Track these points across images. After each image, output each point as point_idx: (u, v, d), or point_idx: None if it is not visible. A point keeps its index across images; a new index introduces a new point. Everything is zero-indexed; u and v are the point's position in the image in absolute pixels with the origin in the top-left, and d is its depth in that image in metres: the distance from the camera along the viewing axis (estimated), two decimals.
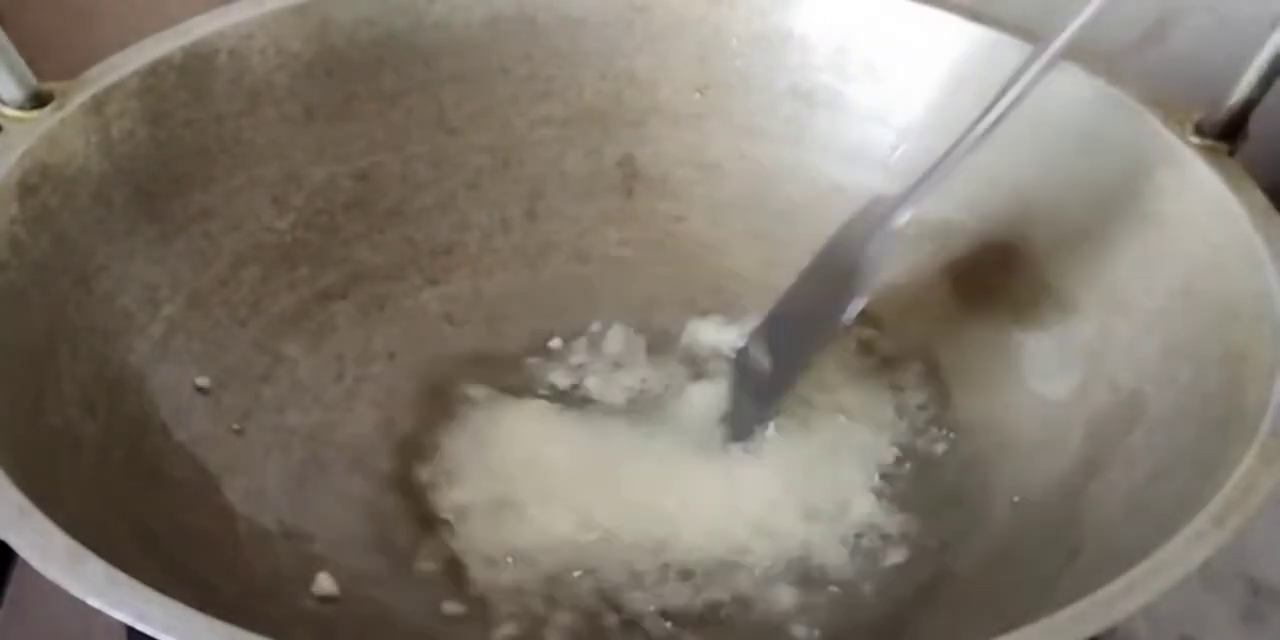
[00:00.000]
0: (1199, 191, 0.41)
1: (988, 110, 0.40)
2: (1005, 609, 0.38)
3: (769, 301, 0.47)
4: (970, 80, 0.47)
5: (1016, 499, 0.43)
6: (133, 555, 0.33)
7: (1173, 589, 0.31)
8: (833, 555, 0.44)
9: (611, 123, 0.51)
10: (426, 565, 0.43)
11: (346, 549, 0.43)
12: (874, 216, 0.43)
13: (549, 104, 0.50)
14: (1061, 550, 0.38)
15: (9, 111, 0.40)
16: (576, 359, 0.50)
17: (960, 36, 0.47)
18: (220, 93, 0.44)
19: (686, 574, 0.43)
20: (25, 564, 0.30)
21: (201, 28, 0.44)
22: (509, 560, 0.43)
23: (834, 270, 0.44)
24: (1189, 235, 0.41)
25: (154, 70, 0.42)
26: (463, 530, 0.44)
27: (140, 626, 0.29)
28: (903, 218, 0.42)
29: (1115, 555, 0.34)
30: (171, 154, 0.43)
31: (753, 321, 0.49)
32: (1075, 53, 0.45)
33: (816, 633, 0.42)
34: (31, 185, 0.39)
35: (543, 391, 0.49)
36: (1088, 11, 0.38)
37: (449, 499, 0.45)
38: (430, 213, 0.50)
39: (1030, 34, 0.46)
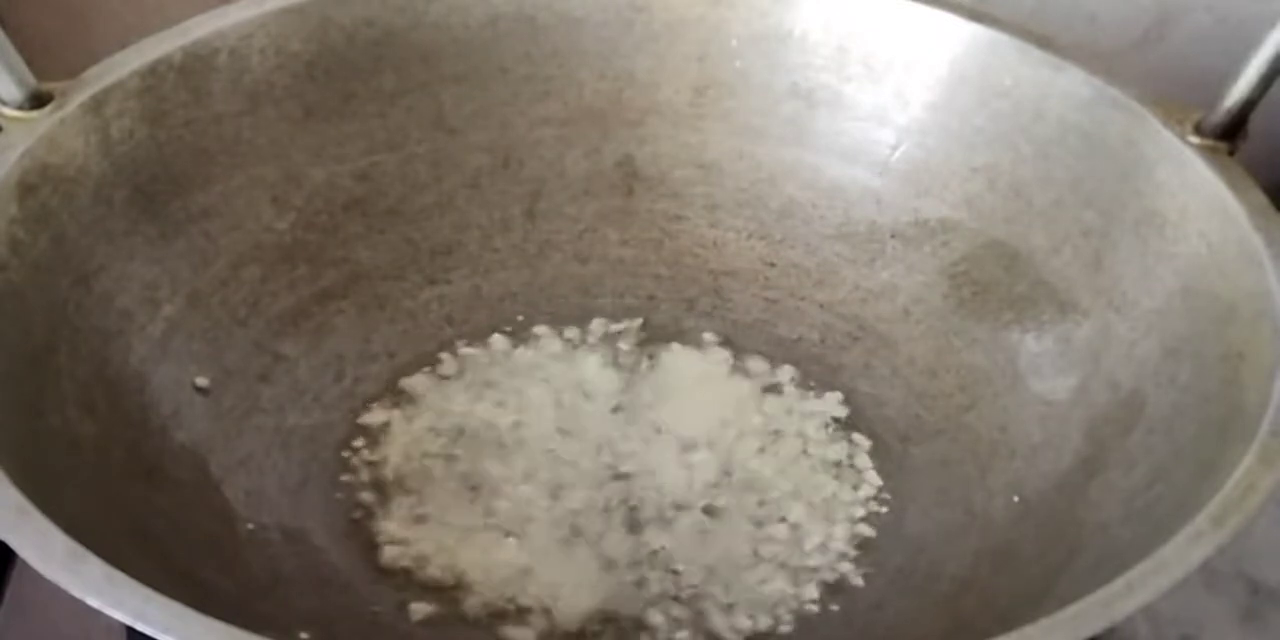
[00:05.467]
0: (1199, 191, 0.41)
1: None
2: (1005, 609, 0.38)
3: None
4: (970, 80, 0.47)
5: (1016, 499, 0.43)
6: (132, 555, 0.33)
7: (1173, 589, 0.31)
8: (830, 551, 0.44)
9: (611, 123, 0.51)
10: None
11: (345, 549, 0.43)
12: None
13: (549, 104, 0.50)
14: (1061, 550, 0.38)
15: (9, 111, 0.40)
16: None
17: (960, 36, 0.47)
18: (220, 93, 0.44)
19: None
20: (25, 564, 0.30)
21: (201, 28, 0.44)
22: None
23: None
24: (1189, 235, 0.41)
25: (154, 70, 0.42)
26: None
27: (139, 626, 0.29)
28: None
29: (1115, 555, 0.34)
30: (171, 154, 0.43)
31: None
32: (1075, 53, 0.45)
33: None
34: (31, 185, 0.39)
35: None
36: None
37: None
38: (430, 213, 0.50)
39: (1030, 34, 0.46)
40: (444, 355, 0.49)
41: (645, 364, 0.50)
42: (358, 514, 0.44)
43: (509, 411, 0.48)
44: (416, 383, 0.48)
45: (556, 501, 0.45)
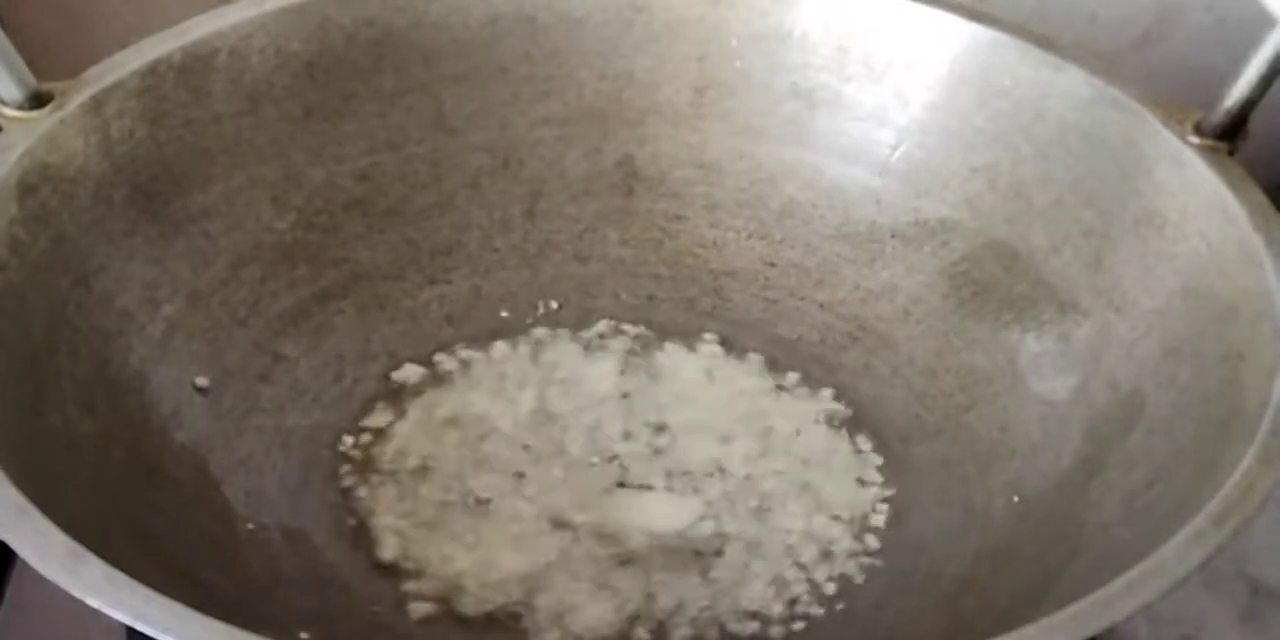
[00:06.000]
0: (1199, 191, 0.41)
1: None
2: (1005, 609, 0.38)
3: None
4: (970, 80, 0.47)
5: (1016, 499, 0.43)
6: (132, 555, 0.33)
7: (1173, 589, 0.31)
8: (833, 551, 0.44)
9: (611, 123, 0.51)
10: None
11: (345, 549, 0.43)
12: None
13: (549, 104, 0.50)
14: (1061, 550, 0.38)
15: (9, 111, 0.40)
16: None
17: (960, 36, 0.47)
18: (220, 93, 0.44)
19: None
20: (25, 564, 0.30)
21: (201, 28, 0.44)
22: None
23: None
24: (1189, 235, 0.41)
25: (154, 70, 0.42)
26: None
27: (139, 626, 0.29)
28: None
29: (1115, 555, 0.34)
30: (171, 154, 0.43)
31: None
32: (1075, 53, 0.45)
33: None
34: (31, 185, 0.39)
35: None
36: None
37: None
38: (430, 213, 0.50)
39: (1030, 34, 0.46)
40: (444, 355, 0.49)
41: (645, 364, 0.50)
42: (357, 514, 0.44)
43: (508, 412, 0.48)
44: (416, 383, 0.48)
45: (555, 502, 0.45)
